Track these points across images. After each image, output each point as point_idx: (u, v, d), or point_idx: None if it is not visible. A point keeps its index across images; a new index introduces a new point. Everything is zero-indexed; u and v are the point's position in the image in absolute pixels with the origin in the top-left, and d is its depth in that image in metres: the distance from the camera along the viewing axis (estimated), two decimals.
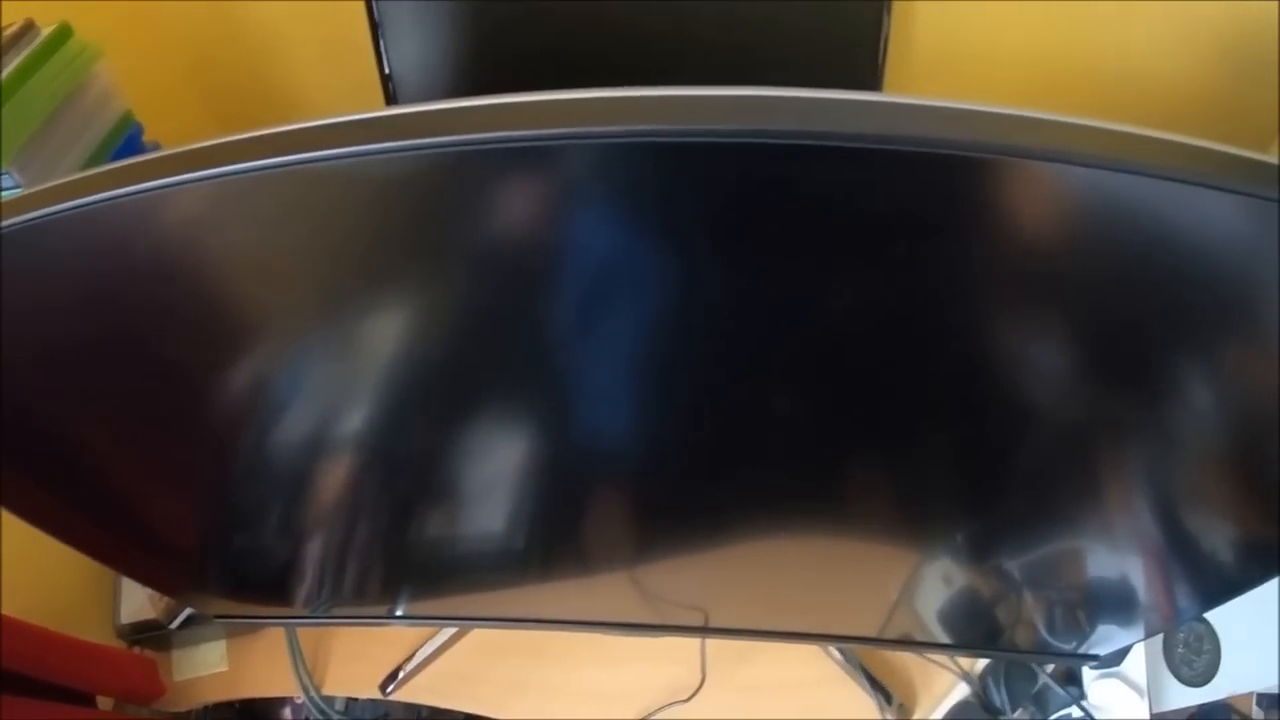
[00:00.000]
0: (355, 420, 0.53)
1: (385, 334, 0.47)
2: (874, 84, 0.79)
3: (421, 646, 0.81)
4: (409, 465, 0.58)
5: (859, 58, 0.78)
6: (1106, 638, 0.70)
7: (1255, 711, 0.83)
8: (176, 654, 0.84)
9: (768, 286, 0.42)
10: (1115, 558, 0.62)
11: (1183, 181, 0.34)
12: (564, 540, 0.67)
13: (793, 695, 0.77)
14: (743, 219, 0.38)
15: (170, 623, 0.81)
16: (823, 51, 0.78)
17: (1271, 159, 0.34)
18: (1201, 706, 0.80)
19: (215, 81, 0.88)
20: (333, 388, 0.51)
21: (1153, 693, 0.77)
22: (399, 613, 0.74)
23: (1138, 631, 0.69)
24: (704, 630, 0.72)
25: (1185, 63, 0.83)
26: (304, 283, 0.44)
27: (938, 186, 0.36)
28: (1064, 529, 0.61)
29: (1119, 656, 0.72)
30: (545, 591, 0.71)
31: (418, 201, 0.39)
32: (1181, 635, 0.80)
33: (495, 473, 0.59)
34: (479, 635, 0.82)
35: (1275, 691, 0.83)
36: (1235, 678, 0.80)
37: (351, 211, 0.39)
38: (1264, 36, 0.80)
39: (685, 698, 0.74)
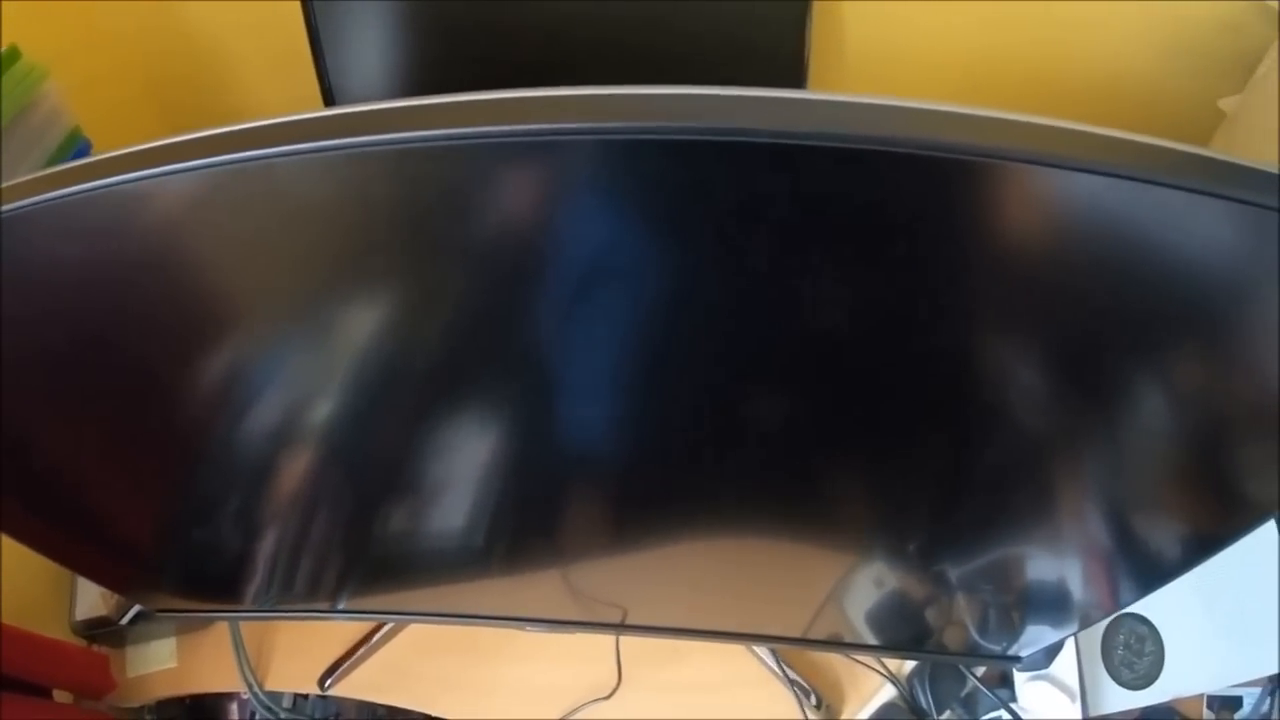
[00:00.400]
0: (305, 417, 0.55)
1: (338, 333, 0.48)
2: (798, 86, 0.79)
3: (359, 642, 0.83)
4: (355, 463, 0.59)
5: (782, 60, 0.78)
6: (1032, 638, 0.69)
7: (1206, 714, 0.81)
8: (130, 650, 0.87)
9: (714, 285, 0.43)
10: (1045, 558, 0.61)
11: (1175, 187, 0.34)
12: (500, 536, 0.67)
13: (718, 695, 0.77)
14: (703, 214, 0.39)
15: (120, 619, 0.84)
16: (745, 54, 0.78)
17: (1270, 167, 0.34)
18: (1144, 710, 0.78)
19: (167, 98, 0.92)
20: (287, 387, 0.52)
21: (1088, 696, 0.75)
22: (338, 607, 0.76)
23: (1062, 630, 0.67)
24: (629, 628, 0.72)
25: (1124, 60, 0.82)
26: (279, 277, 0.45)
27: (903, 186, 0.36)
28: (998, 531, 0.60)
29: (1047, 658, 0.71)
30: (478, 587, 0.72)
31: (384, 198, 0.40)
32: (1121, 637, 0.78)
33: (439, 472, 0.60)
34: (414, 632, 0.83)
35: (1225, 693, 0.81)
36: (1180, 680, 0.78)
37: (333, 206, 0.40)
38: (1203, 31, 0.79)
39: (605, 695, 0.75)
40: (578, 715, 0.75)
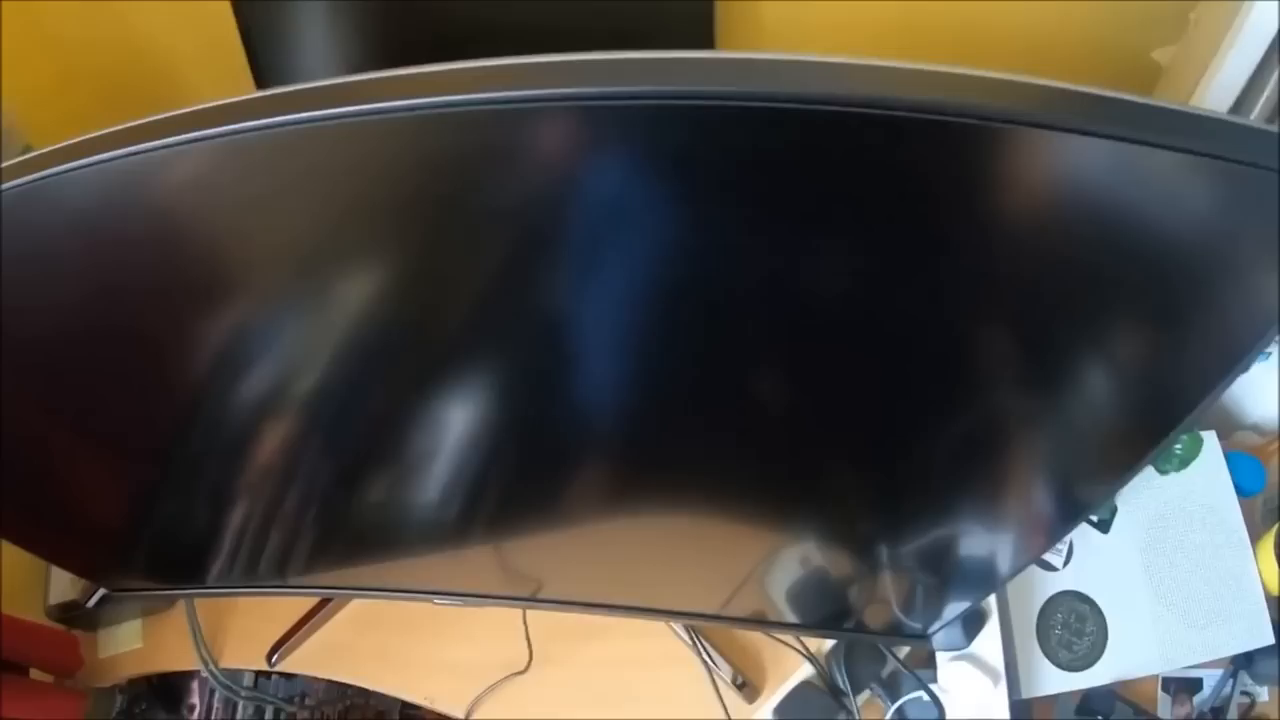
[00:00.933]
0: (256, 398, 0.56)
1: (301, 316, 0.50)
2: None
3: (302, 620, 0.86)
4: (301, 445, 0.61)
5: None
6: (942, 612, 0.67)
7: (1161, 696, 0.77)
8: (101, 633, 0.91)
9: (671, 256, 0.42)
10: (964, 527, 0.60)
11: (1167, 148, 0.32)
12: (435, 510, 0.68)
13: (639, 671, 0.77)
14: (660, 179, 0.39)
15: (87, 602, 0.88)
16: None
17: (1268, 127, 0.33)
18: (1086, 692, 0.75)
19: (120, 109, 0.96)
20: (249, 367, 0.54)
21: (1020, 677, 0.73)
22: (283, 583, 0.78)
23: (971, 598, 0.65)
24: (543, 601, 0.73)
25: (1057, 16, 0.79)
26: (277, 246, 0.46)
27: (881, 151, 0.35)
28: (926, 503, 0.59)
29: (966, 637, 0.69)
30: (415, 562, 0.74)
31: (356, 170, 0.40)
32: (1060, 616, 0.76)
33: (379, 449, 0.62)
34: (356, 609, 0.86)
35: (1183, 675, 0.77)
36: (1126, 662, 0.75)
37: (330, 176, 0.41)
38: None
39: (520, 670, 0.76)
40: (495, 689, 0.76)
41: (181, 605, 0.89)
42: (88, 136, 0.40)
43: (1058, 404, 0.49)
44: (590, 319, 0.48)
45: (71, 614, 0.90)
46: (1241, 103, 0.66)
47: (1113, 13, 0.77)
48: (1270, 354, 0.81)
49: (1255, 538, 0.78)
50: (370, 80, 0.37)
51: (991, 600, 0.70)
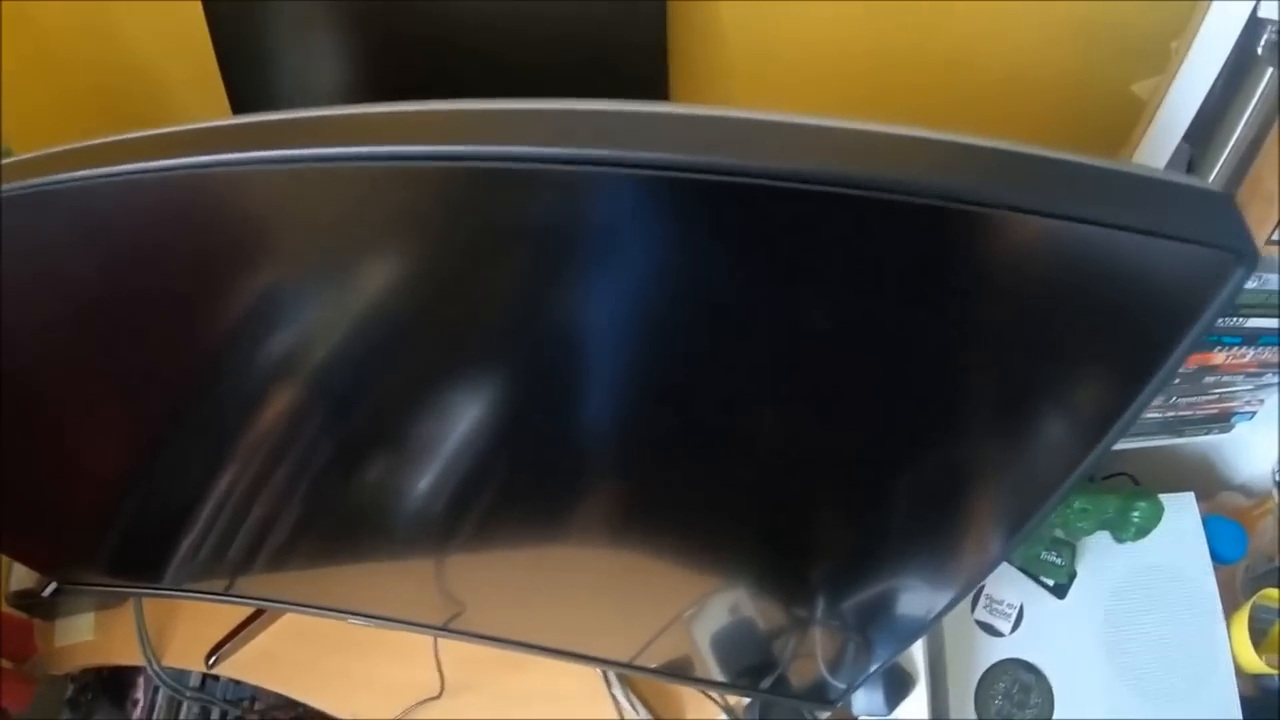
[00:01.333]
0: (219, 410, 0.57)
1: (252, 337, 0.50)
2: (659, 90, 0.76)
3: (239, 626, 0.86)
4: (250, 458, 0.62)
5: (642, 61, 0.75)
6: (849, 668, 0.63)
7: None
8: (59, 622, 0.93)
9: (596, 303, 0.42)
10: (895, 585, 0.57)
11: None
12: (371, 531, 0.69)
13: (555, 706, 0.75)
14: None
15: (42, 591, 0.91)
16: (604, 51, 0.76)
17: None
18: None
19: (98, 111, 0.98)
20: (212, 380, 0.55)
21: None
22: (223, 591, 0.79)
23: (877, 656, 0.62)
24: (455, 632, 0.72)
25: (1037, 51, 0.74)
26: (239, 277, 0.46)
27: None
28: (868, 561, 0.56)
29: (888, 704, 0.65)
30: (336, 580, 0.74)
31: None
32: (1001, 685, 0.71)
33: (323, 467, 0.62)
34: (294, 620, 0.86)
35: None
36: None
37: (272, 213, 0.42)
38: (1118, 12, 0.70)
39: (434, 695, 0.75)
40: (410, 715, 0.75)
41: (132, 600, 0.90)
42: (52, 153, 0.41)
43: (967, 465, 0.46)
44: (539, 365, 0.47)
45: (29, 601, 0.92)
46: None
47: (1092, 44, 0.72)
48: (1254, 413, 0.75)
49: (1231, 609, 0.72)
50: (330, 119, 0.36)
51: (919, 664, 0.66)
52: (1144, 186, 0.28)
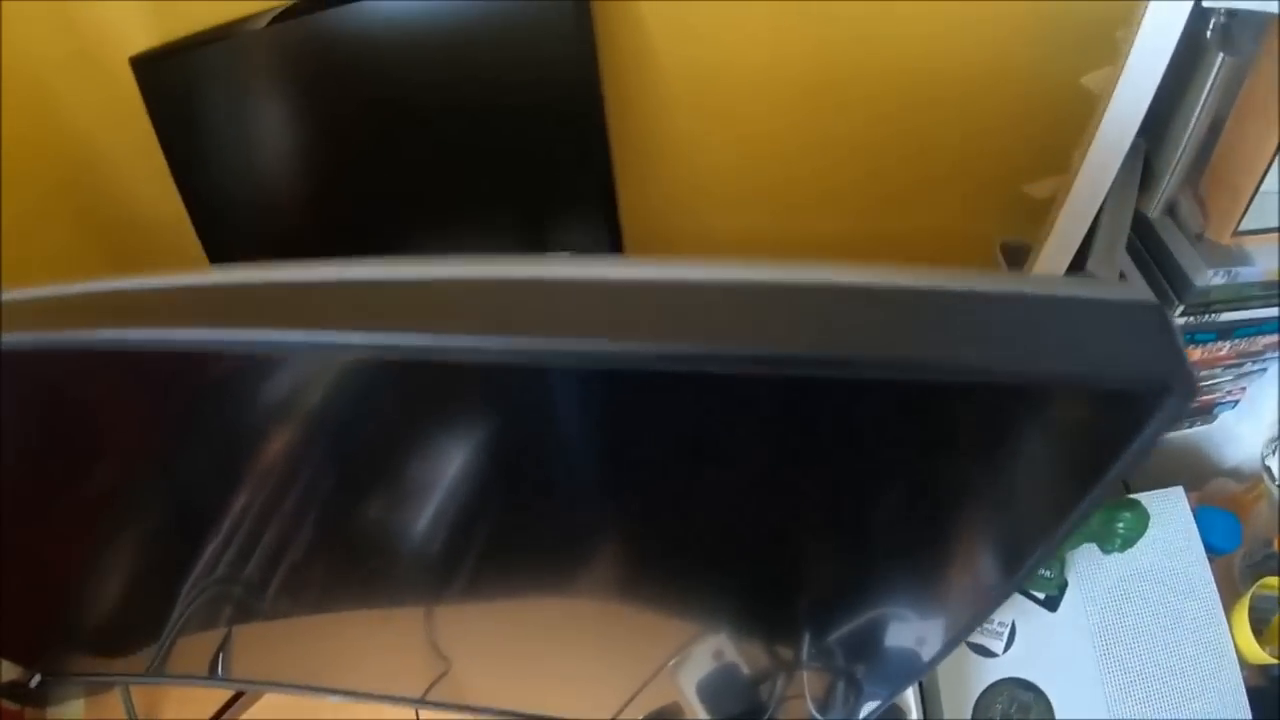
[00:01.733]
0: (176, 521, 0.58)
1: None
2: (593, 96, 0.73)
3: (221, 709, 0.85)
4: (212, 567, 0.61)
5: (569, 69, 0.72)
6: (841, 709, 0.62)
7: None
8: (50, 710, 0.93)
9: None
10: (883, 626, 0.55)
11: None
12: (349, 612, 0.67)
13: None
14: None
15: (29, 682, 0.90)
16: (528, 60, 0.72)
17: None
18: None
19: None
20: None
21: None
22: (205, 676, 0.78)
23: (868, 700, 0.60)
24: (439, 705, 0.71)
25: (987, 48, 0.71)
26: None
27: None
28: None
29: None
30: (324, 658, 0.73)
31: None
32: (999, 707, 0.69)
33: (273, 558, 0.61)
34: (276, 698, 0.85)
35: None
36: None
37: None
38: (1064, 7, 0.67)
39: None
40: None
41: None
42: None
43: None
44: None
45: (21, 691, 0.91)
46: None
47: (1039, 38, 0.69)
48: (1237, 402, 0.73)
49: (1230, 600, 0.70)
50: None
51: (909, 696, 0.65)
52: (1048, 317, 0.23)
